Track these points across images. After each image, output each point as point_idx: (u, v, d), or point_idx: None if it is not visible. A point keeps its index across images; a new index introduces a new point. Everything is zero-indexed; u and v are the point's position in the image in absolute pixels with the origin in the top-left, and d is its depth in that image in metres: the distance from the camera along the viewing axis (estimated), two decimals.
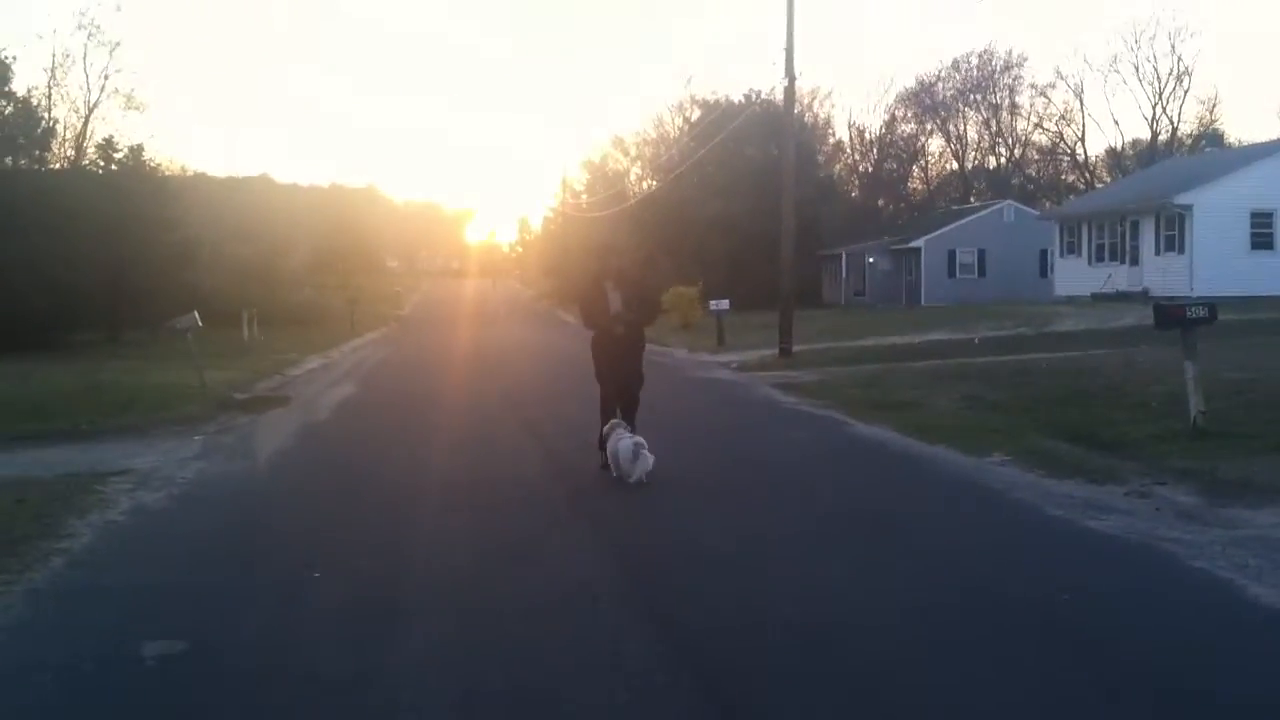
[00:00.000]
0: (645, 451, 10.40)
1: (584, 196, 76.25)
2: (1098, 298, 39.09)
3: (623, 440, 10.65)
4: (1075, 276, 43.01)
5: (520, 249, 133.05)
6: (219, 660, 5.94)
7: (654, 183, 66.66)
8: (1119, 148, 77.15)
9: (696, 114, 65.33)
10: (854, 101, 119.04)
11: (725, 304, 31.92)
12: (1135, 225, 40.17)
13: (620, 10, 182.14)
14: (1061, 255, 45.55)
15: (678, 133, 68.00)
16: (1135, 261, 39.95)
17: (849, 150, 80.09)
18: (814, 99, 70.36)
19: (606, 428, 11.16)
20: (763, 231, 43.15)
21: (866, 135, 79.78)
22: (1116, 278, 40.00)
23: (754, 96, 56.43)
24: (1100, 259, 42.14)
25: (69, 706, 5.29)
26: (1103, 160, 78.61)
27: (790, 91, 27.74)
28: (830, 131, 75.98)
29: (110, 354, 29.79)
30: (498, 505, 9.86)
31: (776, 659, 5.77)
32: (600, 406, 11.74)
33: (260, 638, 6.31)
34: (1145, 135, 74.77)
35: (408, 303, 69.62)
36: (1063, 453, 11.45)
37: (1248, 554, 7.44)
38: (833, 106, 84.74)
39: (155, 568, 8.01)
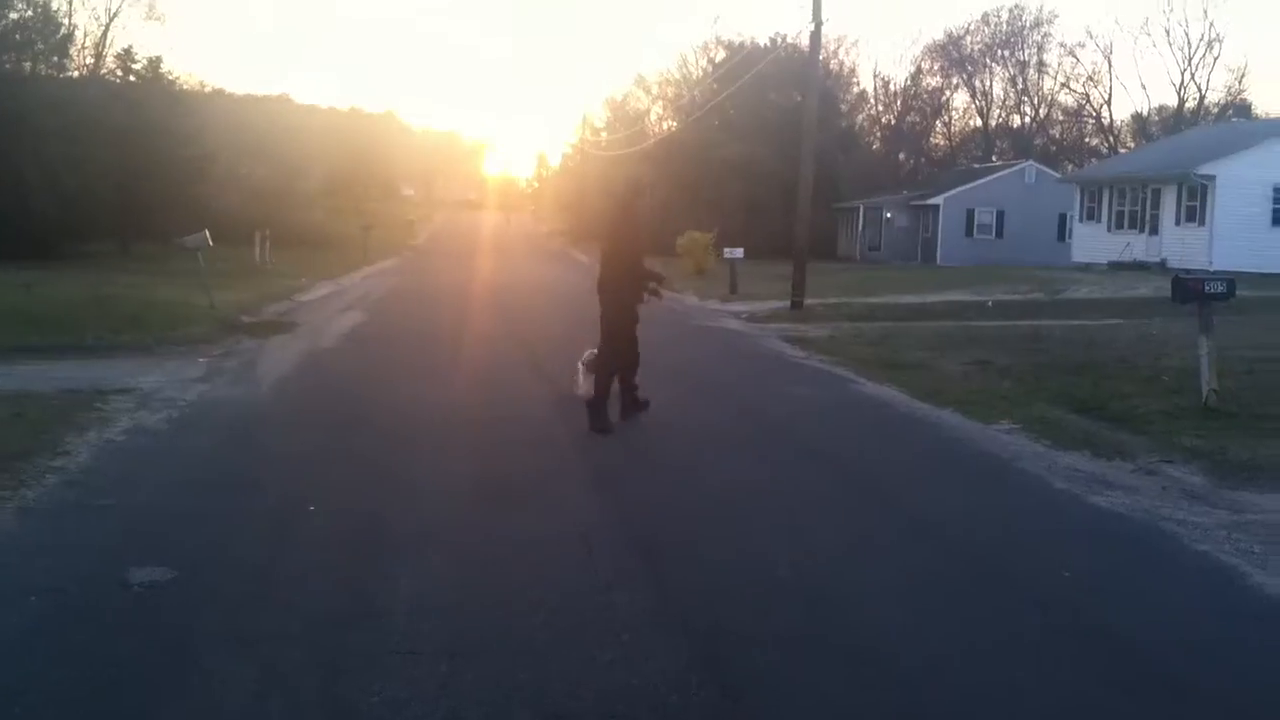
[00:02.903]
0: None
1: (604, 134, 75.70)
2: (1115, 266, 38.81)
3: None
4: (1093, 243, 42.67)
5: (537, 184, 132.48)
6: (207, 588, 5.88)
7: (674, 124, 66.10)
8: (1145, 113, 76.53)
9: (721, 55, 64.64)
10: (880, 51, 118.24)
11: (739, 252, 31.69)
12: (1157, 194, 39.79)
13: None
14: (1081, 220, 45.16)
15: (701, 74, 67.31)
16: (1155, 231, 39.61)
17: (872, 101, 79.67)
18: (840, 46, 69.90)
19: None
20: (781, 179, 42.89)
21: (891, 86, 79.35)
22: (1135, 246, 39.69)
23: (779, 40, 55.92)
24: (1119, 226, 41.79)
25: (51, 630, 5.23)
26: (1128, 125, 78.02)
27: (816, 37, 27.39)
28: (855, 81, 75.50)
29: (120, 267, 29.75)
30: (499, 444, 9.81)
31: (767, 619, 5.70)
32: (603, 365, 10.77)
33: (250, 568, 6.26)
34: (1172, 102, 74.18)
35: (422, 232, 69.36)
36: (1071, 424, 11.33)
37: (1253, 539, 7.34)
38: (858, 55, 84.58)
39: (150, 491, 7.95)
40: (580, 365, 11.42)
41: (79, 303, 18.24)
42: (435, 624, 5.45)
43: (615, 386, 10.75)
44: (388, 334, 19.09)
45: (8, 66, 35.62)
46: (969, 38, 77.04)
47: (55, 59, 40.63)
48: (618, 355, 10.76)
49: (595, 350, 11.05)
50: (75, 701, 4.47)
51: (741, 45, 61.39)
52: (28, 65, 37.63)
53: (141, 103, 37.25)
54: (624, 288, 10.76)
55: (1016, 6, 76.48)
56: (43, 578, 5.90)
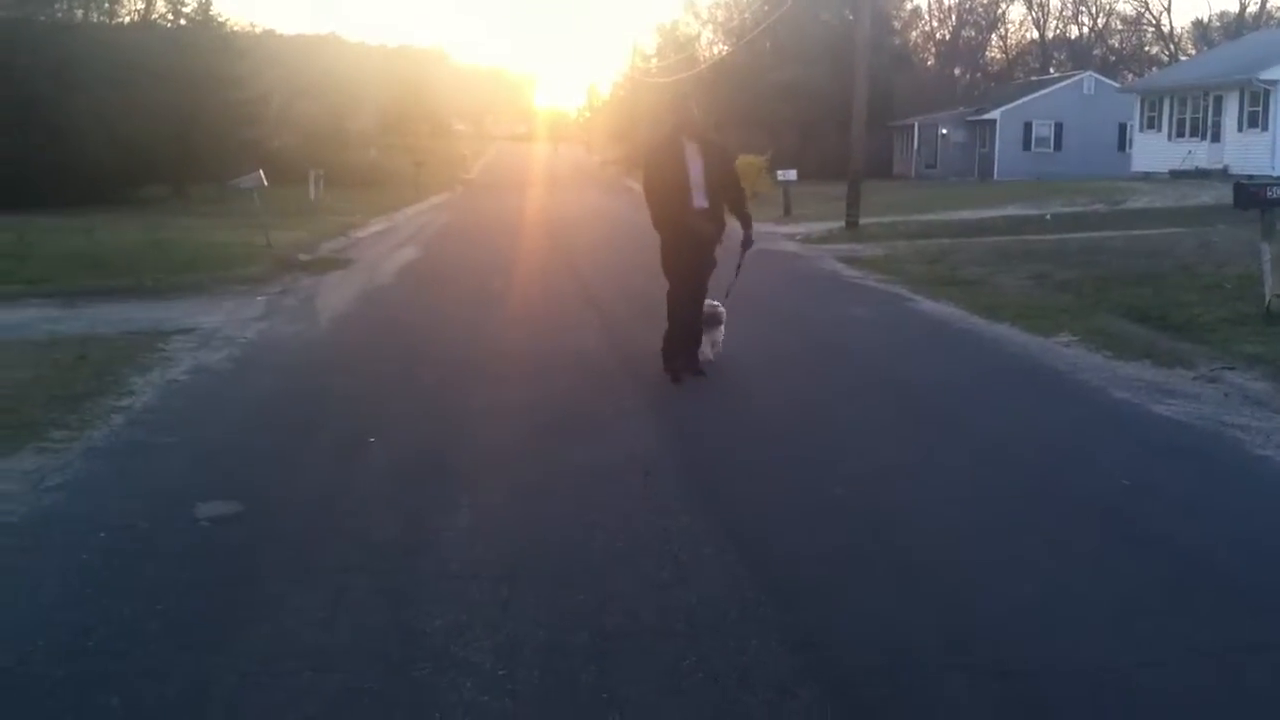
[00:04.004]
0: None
1: (654, 61, 75.07)
2: (1176, 175, 38.15)
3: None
4: (1154, 152, 41.93)
5: (588, 115, 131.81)
6: (273, 521, 5.99)
7: (725, 48, 65.39)
8: (1206, 20, 74.84)
9: None
10: None
11: (793, 174, 31.46)
12: (1218, 101, 38.95)
13: None
14: (1141, 130, 44.35)
15: None
16: (1216, 138, 38.84)
17: (926, 17, 78.46)
18: None
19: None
20: (834, 100, 42.40)
21: (945, 1, 77.85)
22: (1196, 154, 38.96)
23: None
24: (1180, 135, 41.01)
25: (123, 566, 5.35)
26: (1188, 32, 76.42)
27: None
28: None
29: (176, 210, 30.00)
30: (555, 374, 9.84)
31: (823, 537, 5.74)
32: (669, 307, 9.64)
33: (314, 500, 6.35)
34: (1234, 7, 72.50)
35: (474, 166, 69.31)
36: (1131, 334, 11.22)
37: None
38: None
39: (214, 428, 8.07)
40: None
41: (138, 246, 18.42)
42: (495, 549, 5.52)
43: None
44: (442, 269, 19.15)
45: (59, 15, 35.77)
46: None
47: (105, 5, 40.72)
48: (679, 304, 9.57)
49: (711, 303, 9.83)
50: (149, 634, 4.58)
51: None
52: (79, 13, 37.79)
53: (192, 46, 37.30)
54: (685, 215, 9.30)
55: None
56: (112, 515, 6.02)
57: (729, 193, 9.45)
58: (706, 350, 9.85)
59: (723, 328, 10.04)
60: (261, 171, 21.17)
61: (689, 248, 9.34)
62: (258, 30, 56.87)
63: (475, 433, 7.96)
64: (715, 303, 9.88)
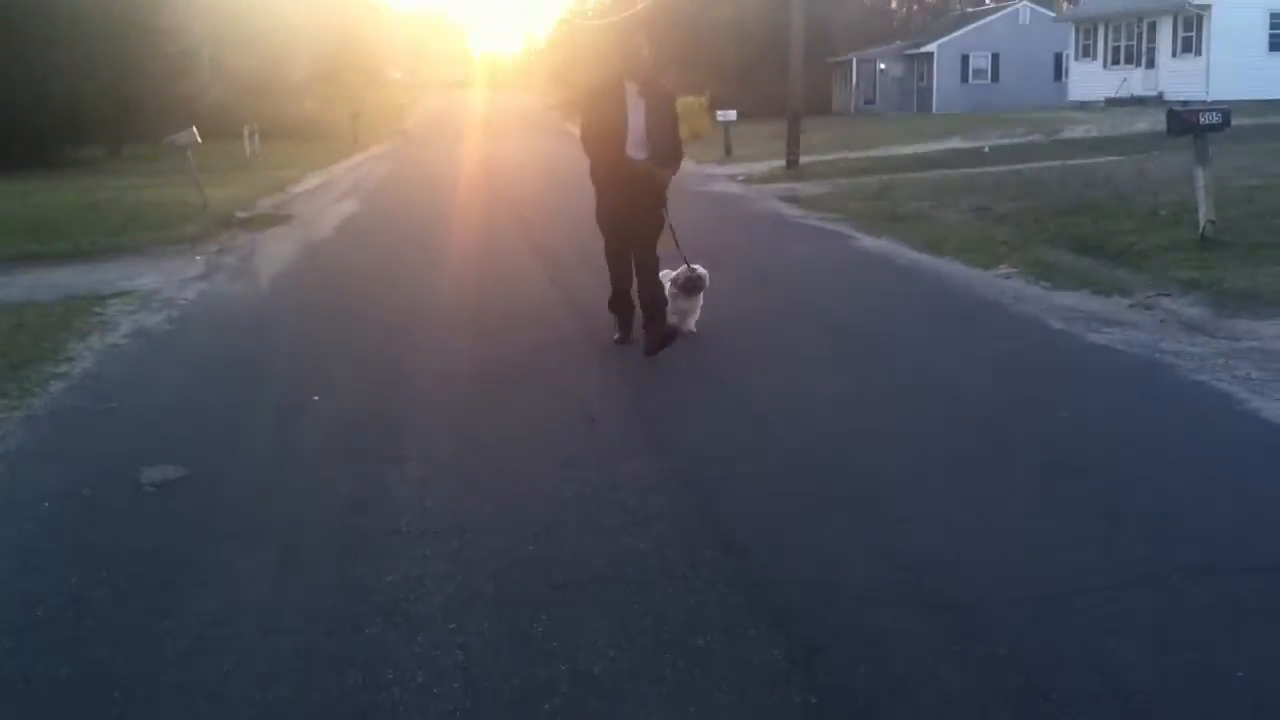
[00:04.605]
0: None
1: (591, 2, 74.42)
2: (1112, 103, 38.44)
3: (667, 276, 8.91)
4: (1090, 81, 42.21)
5: (526, 59, 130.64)
6: (219, 484, 5.97)
7: None
8: None
9: None
10: None
11: (733, 114, 31.36)
12: (1152, 27, 39.24)
13: None
14: (1077, 59, 44.63)
15: None
16: (1151, 65, 39.15)
17: None
18: None
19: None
20: (771, 37, 42.26)
21: None
22: (1132, 82, 39.26)
23: None
24: (1116, 62, 41.29)
25: (68, 533, 5.33)
26: None
27: None
28: None
29: (112, 170, 29.56)
30: (499, 325, 9.83)
31: (767, 476, 5.83)
32: (608, 261, 8.86)
33: (260, 461, 6.35)
34: None
35: (412, 115, 68.61)
36: (1069, 264, 11.34)
37: (1250, 366, 7.41)
38: None
39: (156, 392, 8.02)
40: (672, 287, 8.92)
41: (74, 208, 18.18)
42: (444, 504, 5.54)
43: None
44: (382, 222, 19.00)
45: None
46: None
47: None
48: (614, 255, 8.82)
49: (689, 267, 8.93)
50: (97, 602, 4.57)
51: None
52: None
53: (122, 1, 36.60)
54: (615, 159, 8.42)
55: None
56: (56, 483, 5.99)
57: (665, 143, 8.49)
58: (676, 320, 8.80)
59: (700, 296, 9.04)
60: (195, 128, 20.86)
61: (625, 203, 8.43)
62: None
63: (421, 387, 7.94)
64: (696, 267, 8.92)
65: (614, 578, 4.64)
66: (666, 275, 8.88)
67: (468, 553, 4.94)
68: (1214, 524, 4.99)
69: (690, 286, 8.92)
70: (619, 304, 8.94)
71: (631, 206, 8.46)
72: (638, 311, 8.67)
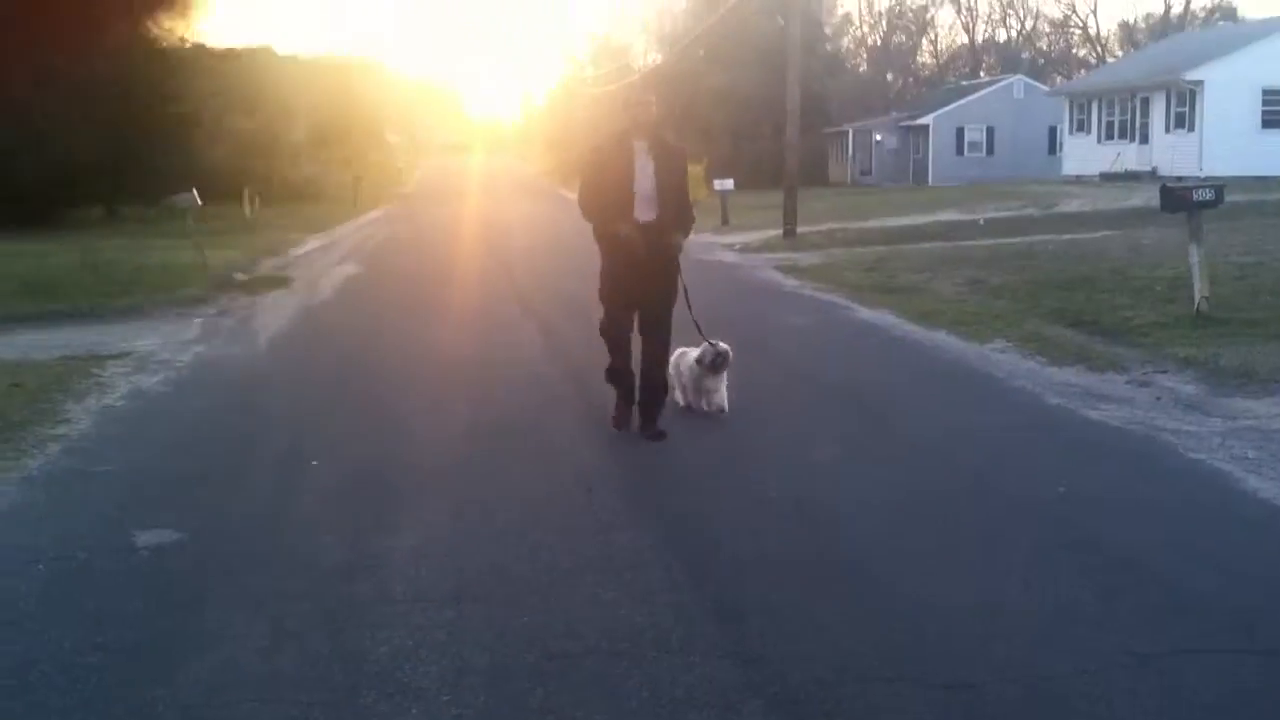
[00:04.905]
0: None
1: (588, 70, 75.16)
2: (1106, 177, 38.70)
3: (687, 354, 8.50)
4: (1084, 155, 42.55)
5: (522, 124, 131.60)
6: (214, 548, 5.95)
7: (659, 57, 65.62)
8: (1132, 21, 76.05)
9: None
10: None
11: (729, 183, 31.54)
12: (1145, 102, 39.62)
13: None
14: (1071, 133, 45.01)
15: (685, 3, 66.74)
16: (1145, 140, 39.49)
17: (857, 23, 79.02)
18: None
19: (676, 354, 8.50)
20: (768, 107, 42.59)
21: (875, 6, 78.58)
22: (1125, 156, 39.56)
23: None
24: (1109, 137, 41.66)
25: (62, 596, 5.31)
26: (1115, 34, 77.70)
27: None
28: (838, 2, 74.79)
29: (111, 230, 29.67)
30: (495, 389, 9.85)
31: (762, 543, 5.84)
32: (605, 336, 8.14)
33: (255, 526, 6.33)
34: (1159, 9, 73.64)
35: (410, 179, 69.04)
36: (1064, 339, 11.38)
37: (1247, 445, 7.41)
38: None
39: (152, 454, 8.00)
40: (678, 368, 8.58)
41: (72, 269, 18.18)
42: (440, 571, 5.52)
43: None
44: (382, 284, 19.06)
45: None
46: None
47: None
48: (616, 331, 8.10)
49: (711, 344, 8.38)
50: (88, 667, 4.54)
51: None
52: None
53: (121, 61, 36.88)
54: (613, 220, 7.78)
55: None
56: (50, 545, 5.96)
57: (676, 204, 7.87)
58: (702, 405, 8.49)
59: (725, 374, 8.50)
60: (195, 190, 20.97)
61: (635, 271, 7.75)
62: (188, 44, 56.22)
63: (417, 451, 7.94)
64: (718, 343, 8.38)
65: (610, 650, 4.62)
66: (687, 352, 8.51)
67: (462, 622, 4.91)
68: (1212, 605, 4.97)
69: (717, 364, 8.39)
70: (618, 376, 8.22)
71: (642, 276, 7.78)
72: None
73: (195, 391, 10.17)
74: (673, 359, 8.47)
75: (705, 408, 8.49)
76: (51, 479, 7.26)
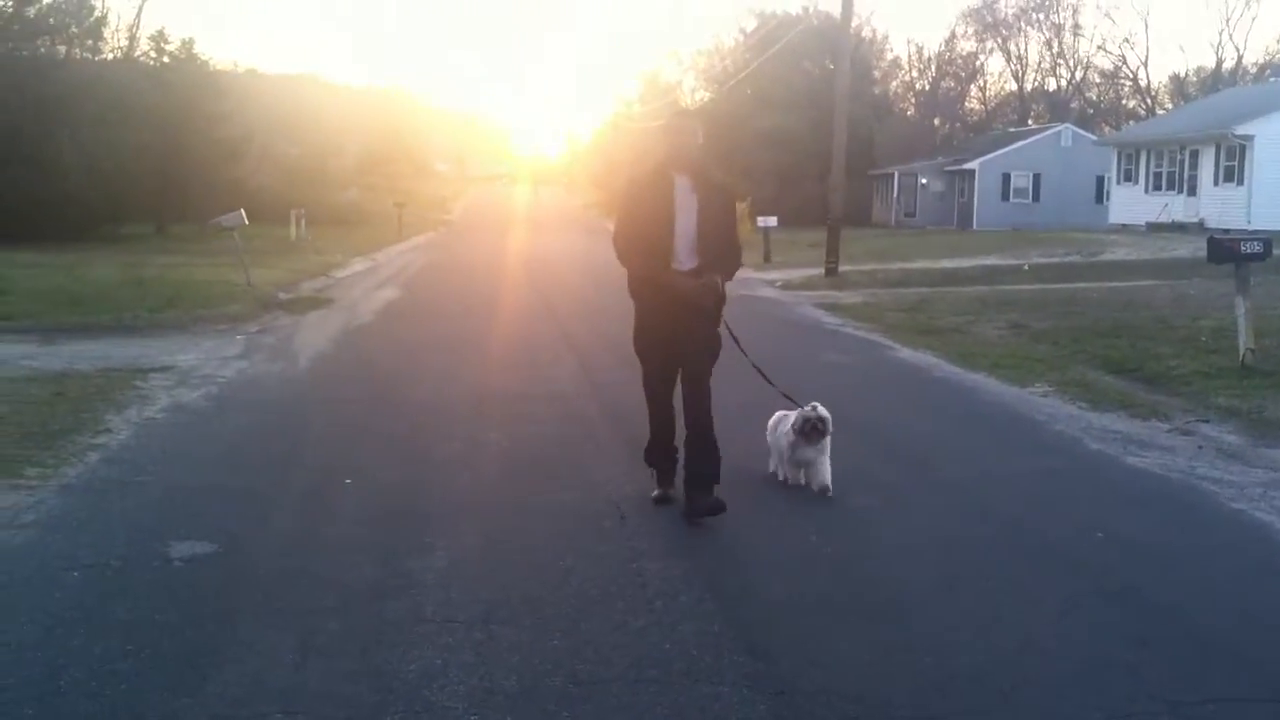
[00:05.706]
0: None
1: (636, 106, 75.56)
2: (1153, 227, 38.48)
3: (787, 419, 7.57)
4: (1131, 205, 42.34)
5: (568, 158, 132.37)
6: (247, 562, 5.98)
7: (707, 95, 65.93)
8: (1183, 74, 75.74)
9: (753, 24, 64.33)
10: (913, 17, 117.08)
11: (773, 221, 31.67)
12: (1194, 154, 39.40)
13: None
14: (1118, 182, 44.81)
15: (734, 44, 67.12)
16: (1193, 192, 39.25)
17: (906, 67, 79.24)
18: (872, 14, 69.52)
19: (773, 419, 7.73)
20: (814, 148, 42.73)
21: (924, 52, 78.75)
22: (1173, 207, 39.34)
23: (811, 8, 55.66)
24: (1157, 188, 41.44)
25: (96, 605, 5.32)
26: (1165, 86, 77.27)
27: (848, 3, 27.25)
28: (888, 47, 75.36)
29: (157, 248, 29.99)
30: (532, 417, 9.85)
31: (796, 583, 5.77)
32: (647, 397, 7.27)
33: (288, 541, 6.35)
34: (1210, 63, 73.34)
35: (455, 208, 69.47)
36: (1107, 385, 11.29)
37: None
38: (891, 22, 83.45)
39: (189, 467, 8.04)
40: (775, 434, 7.78)
41: (118, 283, 18.43)
42: (470, 593, 5.51)
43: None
44: (422, 309, 19.16)
45: (42, 51, 35.86)
46: (1003, 1, 76.29)
47: (89, 42, 40.97)
48: (654, 389, 7.24)
49: (808, 408, 7.46)
50: (119, 675, 4.55)
51: (773, 14, 61.15)
52: (62, 49, 37.93)
53: (175, 84, 37.49)
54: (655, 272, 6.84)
55: None
56: (86, 553, 5.99)
57: (721, 249, 6.89)
58: (800, 479, 7.54)
59: (827, 442, 7.40)
60: (243, 211, 21.20)
61: (671, 323, 6.84)
62: (240, 70, 57.08)
63: (451, 474, 7.95)
64: (816, 406, 7.45)
65: (638, 677, 4.59)
66: (787, 416, 7.62)
67: (491, 644, 4.90)
68: (1248, 655, 4.90)
69: (811, 431, 7.34)
70: (657, 455, 7.31)
71: (679, 328, 6.85)
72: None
73: (235, 407, 10.22)
74: (771, 423, 7.82)
75: (802, 482, 7.51)
76: (89, 487, 7.31)
